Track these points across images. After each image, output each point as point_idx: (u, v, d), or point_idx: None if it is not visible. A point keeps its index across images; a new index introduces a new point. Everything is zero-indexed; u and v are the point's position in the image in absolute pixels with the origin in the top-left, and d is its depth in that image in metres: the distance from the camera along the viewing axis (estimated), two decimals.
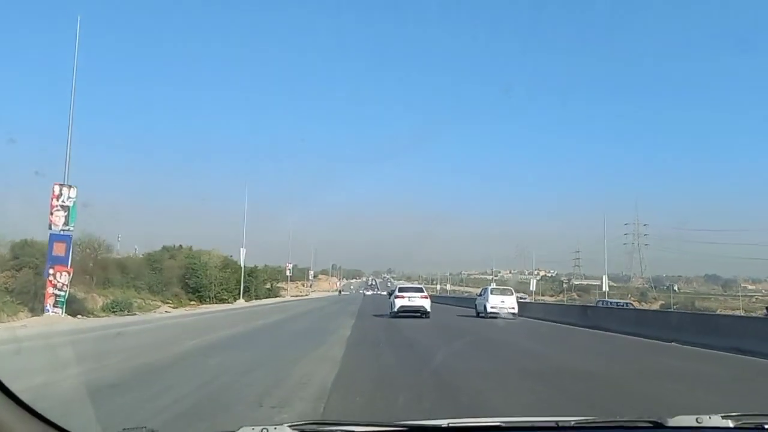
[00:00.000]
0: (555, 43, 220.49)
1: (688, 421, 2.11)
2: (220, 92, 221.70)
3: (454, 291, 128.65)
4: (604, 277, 56.83)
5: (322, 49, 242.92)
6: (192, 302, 49.56)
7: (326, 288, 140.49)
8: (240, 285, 66.08)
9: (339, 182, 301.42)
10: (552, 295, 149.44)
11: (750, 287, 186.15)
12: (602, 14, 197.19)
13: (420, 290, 29.95)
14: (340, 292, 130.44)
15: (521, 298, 63.61)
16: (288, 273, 75.14)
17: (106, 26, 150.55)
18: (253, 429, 1.90)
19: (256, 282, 68.24)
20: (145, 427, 2.01)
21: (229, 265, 59.24)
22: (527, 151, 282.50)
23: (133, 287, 46.34)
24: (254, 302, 55.14)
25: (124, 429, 2.03)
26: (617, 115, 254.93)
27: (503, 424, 2.10)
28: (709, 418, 2.12)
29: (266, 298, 69.60)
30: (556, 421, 2.15)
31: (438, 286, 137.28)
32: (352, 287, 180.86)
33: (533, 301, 63.07)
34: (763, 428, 2.11)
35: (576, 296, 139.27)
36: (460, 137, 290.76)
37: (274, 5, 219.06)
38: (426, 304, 27.74)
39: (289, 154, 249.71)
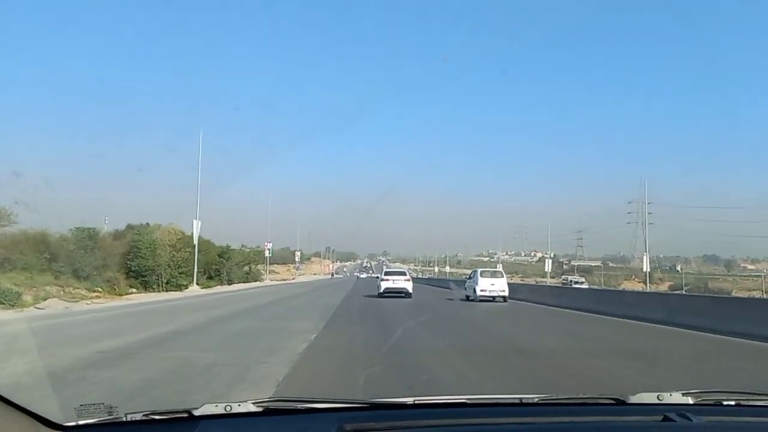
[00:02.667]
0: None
1: (649, 398, 2.04)
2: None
3: (451, 273, 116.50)
4: (645, 256, 44.71)
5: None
6: (132, 290, 37.26)
7: (317, 271, 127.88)
8: (206, 267, 53.74)
9: (331, 162, 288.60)
10: (553, 277, 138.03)
11: (750, 267, 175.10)
12: None
13: (403, 274, 31.92)
14: (332, 275, 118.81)
15: (576, 282, 52.44)
16: (267, 254, 62.49)
17: None
18: (216, 405, 1.78)
19: (228, 264, 55.70)
20: (103, 404, 1.85)
21: (192, 243, 46.61)
22: (522, 134, 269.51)
23: (50, 271, 33.96)
24: (217, 289, 42.58)
25: (81, 405, 1.84)
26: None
27: (468, 401, 1.99)
28: (670, 395, 2.04)
29: (243, 282, 57.24)
30: (520, 398, 2.04)
31: (436, 269, 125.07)
32: (345, 270, 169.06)
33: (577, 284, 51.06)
34: (722, 404, 2.05)
35: (577, 277, 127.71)
36: (452, 117, 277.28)
37: None
38: (408, 286, 29.48)
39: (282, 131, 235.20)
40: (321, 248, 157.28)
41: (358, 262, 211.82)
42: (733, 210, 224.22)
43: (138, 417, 1.72)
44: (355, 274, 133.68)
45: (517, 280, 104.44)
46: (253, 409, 1.78)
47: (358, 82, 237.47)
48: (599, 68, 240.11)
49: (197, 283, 46.55)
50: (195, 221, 36.40)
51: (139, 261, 39.05)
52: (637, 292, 34.05)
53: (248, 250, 62.75)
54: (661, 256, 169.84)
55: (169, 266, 43.33)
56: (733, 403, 2.05)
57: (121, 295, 34.30)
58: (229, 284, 53.91)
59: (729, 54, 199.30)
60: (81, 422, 1.72)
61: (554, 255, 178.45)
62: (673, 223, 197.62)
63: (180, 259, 43.93)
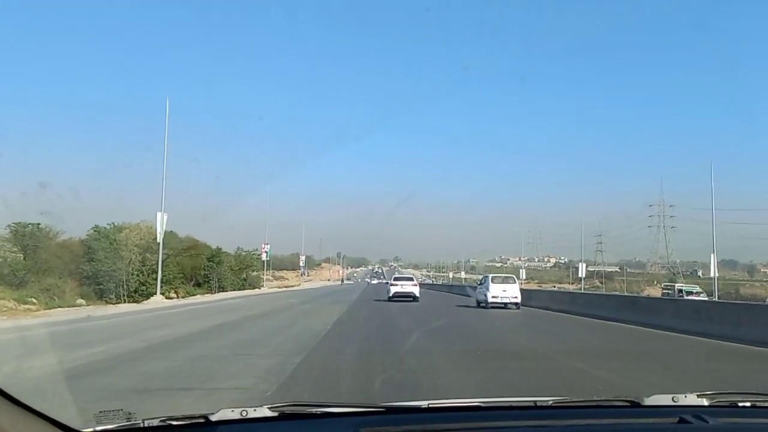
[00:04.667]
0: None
1: (664, 399, 1.98)
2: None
3: (466, 280, 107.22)
4: (712, 256, 35.47)
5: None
6: (81, 300, 28.64)
7: (326, 277, 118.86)
8: (193, 272, 45.09)
9: (344, 168, 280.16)
10: (572, 283, 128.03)
11: None
12: None
13: (411, 279, 33.56)
14: (342, 281, 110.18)
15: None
16: (264, 257, 53.48)
17: None
18: (232, 410, 1.74)
19: (219, 269, 47.01)
20: (122, 410, 1.84)
21: (173, 244, 37.93)
22: (533, 140, 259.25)
23: None
24: (193, 299, 33.67)
25: (100, 411, 1.82)
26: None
27: (482, 405, 1.96)
28: (685, 396, 1.98)
29: (238, 290, 48.53)
30: (534, 401, 1.98)
31: (451, 274, 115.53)
32: (356, 275, 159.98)
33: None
34: (737, 406, 1.98)
35: (599, 284, 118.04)
36: (466, 123, 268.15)
37: None
38: (415, 290, 30.01)
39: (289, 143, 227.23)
40: (332, 254, 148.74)
41: (370, 267, 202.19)
42: (747, 213, 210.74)
43: (155, 423, 1.71)
44: (366, 279, 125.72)
45: (533, 286, 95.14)
46: (269, 413, 1.75)
47: (377, 93, 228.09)
48: (618, 74, 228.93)
49: (175, 291, 37.99)
50: (159, 214, 27.57)
51: (95, 265, 30.43)
52: None
53: (244, 253, 53.93)
54: (677, 261, 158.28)
55: (140, 271, 34.70)
56: (748, 404, 1.97)
57: (60, 307, 25.65)
58: (220, 291, 45.30)
59: (750, 60, 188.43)
60: (99, 428, 1.70)
61: (570, 260, 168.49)
62: (688, 226, 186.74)
63: (154, 262, 35.30)
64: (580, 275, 52.67)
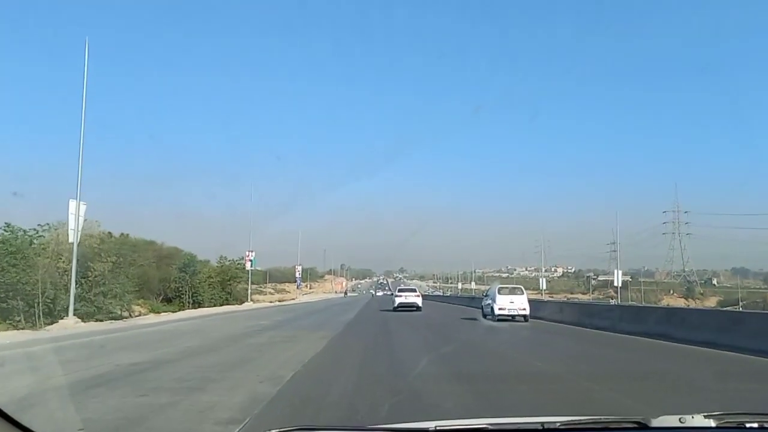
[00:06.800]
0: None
1: (672, 420, 1.94)
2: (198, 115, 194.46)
3: (473, 291, 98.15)
4: None
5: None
6: None
7: (329, 289, 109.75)
8: (162, 285, 36.33)
9: (349, 182, 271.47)
10: (584, 293, 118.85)
11: None
12: None
13: (414, 290, 34.58)
14: (345, 293, 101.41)
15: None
16: (248, 266, 44.52)
17: None
18: None
19: (193, 281, 38.18)
20: None
21: (116, 251, 29.03)
22: (542, 149, 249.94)
23: None
24: (132, 322, 24.73)
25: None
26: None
27: (490, 426, 1.91)
28: (692, 417, 1.93)
29: (220, 305, 39.77)
30: (542, 422, 1.95)
31: (459, 285, 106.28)
32: (359, 287, 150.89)
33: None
34: (744, 427, 1.91)
35: (613, 293, 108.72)
36: (476, 133, 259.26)
37: (247, 31, 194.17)
38: (418, 301, 31.62)
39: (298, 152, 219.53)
40: (336, 266, 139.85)
41: (374, 279, 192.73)
42: (753, 218, 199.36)
43: None
44: (371, 291, 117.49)
45: (545, 297, 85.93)
46: None
47: (391, 122, 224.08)
48: (626, 87, 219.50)
49: (126, 309, 29.25)
50: (72, 202, 18.96)
51: None
52: None
53: (228, 262, 45.11)
54: (687, 270, 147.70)
55: (77, 284, 25.78)
56: (756, 425, 1.90)
57: None
58: (196, 307, 36.50)
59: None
60: None
61: (578, 270, 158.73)
62: (698, 233, 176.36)
63: (97, 273, 26.50)
64: (616, 284, 43.75)
